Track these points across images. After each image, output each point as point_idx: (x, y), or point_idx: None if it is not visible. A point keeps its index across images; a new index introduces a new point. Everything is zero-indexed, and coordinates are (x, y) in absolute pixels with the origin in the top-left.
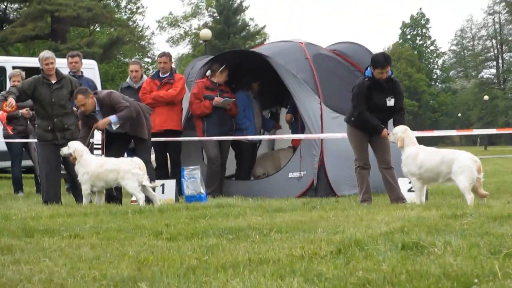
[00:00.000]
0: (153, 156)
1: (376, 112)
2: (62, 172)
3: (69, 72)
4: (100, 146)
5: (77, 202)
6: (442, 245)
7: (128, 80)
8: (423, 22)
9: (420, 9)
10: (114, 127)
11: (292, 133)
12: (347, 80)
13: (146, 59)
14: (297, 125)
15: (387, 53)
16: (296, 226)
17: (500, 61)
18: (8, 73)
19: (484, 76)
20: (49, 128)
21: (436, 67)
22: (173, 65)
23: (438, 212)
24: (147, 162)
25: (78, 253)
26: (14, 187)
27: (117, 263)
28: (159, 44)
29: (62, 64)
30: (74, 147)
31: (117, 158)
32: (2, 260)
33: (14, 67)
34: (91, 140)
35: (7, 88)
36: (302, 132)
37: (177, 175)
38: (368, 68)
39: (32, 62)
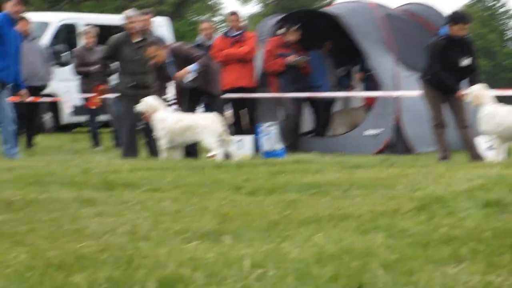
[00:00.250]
0: (229, 112)
1: (450, 72)
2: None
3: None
4: (175, 101)
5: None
6: None
7: (199, 37)
8: None
9: None
10: (191, 77)
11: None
12: (419, 39)
13: (216, 18)
14: (370, 84)
15: None
16: (375, 182)
17: None
18: (78, 31)
19: None
20: (131, 84)
21: (507, 27)
22: (243, 24)
23: None
24: None
25: (160, 207)
26: (92, 142)
27: (199, 216)
28: (229, 3)
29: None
30: (149, 103)
31: (193, 114)
32: (86, 213)
33: (87, 25)
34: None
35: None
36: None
37: (253, 131)
38: (443, 27)
39: (103, 19)
